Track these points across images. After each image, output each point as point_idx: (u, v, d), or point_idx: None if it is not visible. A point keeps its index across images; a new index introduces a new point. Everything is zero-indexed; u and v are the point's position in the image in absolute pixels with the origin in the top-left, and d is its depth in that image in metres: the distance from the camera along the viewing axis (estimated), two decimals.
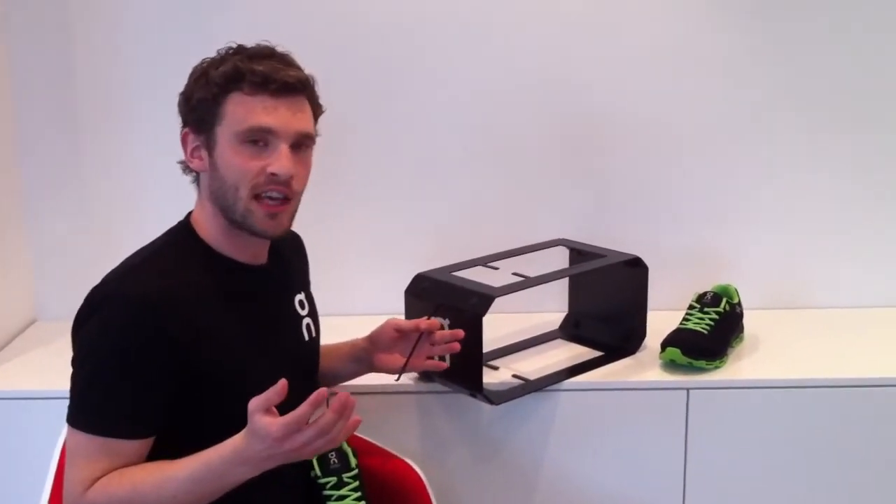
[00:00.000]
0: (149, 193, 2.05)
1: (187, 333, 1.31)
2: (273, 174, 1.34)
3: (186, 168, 1.44)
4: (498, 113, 2.11)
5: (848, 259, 2.18)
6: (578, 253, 1.99)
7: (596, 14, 2.07)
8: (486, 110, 2.10)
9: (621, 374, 1.83)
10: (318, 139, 1.44)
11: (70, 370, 1.36)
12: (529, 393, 1.76)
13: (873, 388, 1.80)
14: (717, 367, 1.83)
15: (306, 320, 1.54)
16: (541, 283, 1.79)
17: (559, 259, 2.01)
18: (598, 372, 1.84)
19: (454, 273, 1.81)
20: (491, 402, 1.72)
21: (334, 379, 1.68)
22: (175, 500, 1.26)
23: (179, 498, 1.26)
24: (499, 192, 2.15)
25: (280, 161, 1.34)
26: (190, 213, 1.46)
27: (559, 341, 2.03)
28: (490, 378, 1.82)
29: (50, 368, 1.89)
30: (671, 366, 1.82)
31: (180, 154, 1.44)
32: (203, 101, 1.36)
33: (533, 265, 1.86)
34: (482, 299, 1.66)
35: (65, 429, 1.46)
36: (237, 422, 1.24)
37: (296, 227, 1.61)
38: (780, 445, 1.81)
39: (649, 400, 1.79)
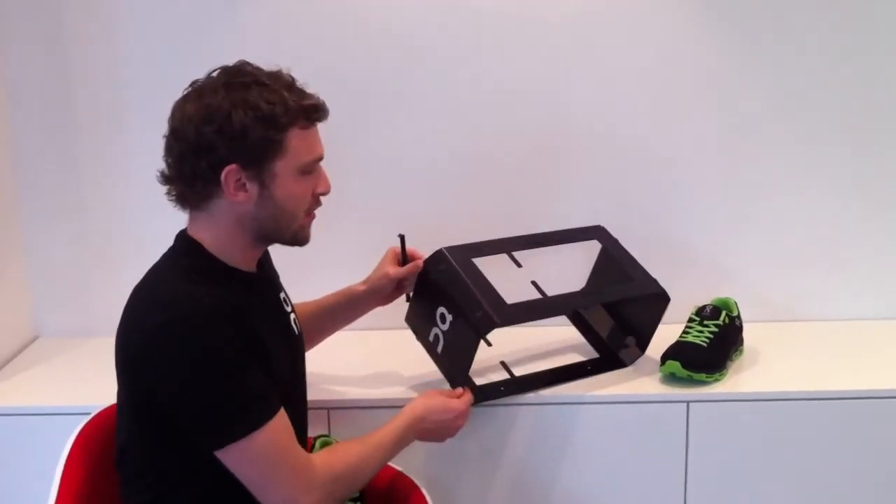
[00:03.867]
0: (146, 211, 2.05)
1: (252, 336, 1.38)
2: (323, 193, 1.49)
3: (188, 195, 1.42)
4: (497, 128, 2.12)
5: (847, 272, 2.19)
6: (608, 255, 1.94)
7: (591, 31, 2.08)
8: (486, 125, 2.11)
9: (621, 387, 1.83)
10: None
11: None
12: (513, 394, 1.77)
13: (873, 401, 1.80)
14: (717, 380, 1.83)
15: (292, 315, 1.60)
16: (554, 314, 1.82)
17: (589, 254, 1.99)
18: (598, 384, 1.84)
19: (474, 259, 1.76)
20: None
21: (332, 327, 1.82)
22: (380, 464, 1.50)
23: (384, 460, 1.51)
24: (499, 207, 2.15)
25: (326, 181, 1.50)
26: (184, 234, 1.47)
27: (565, 323, 2.02)
28: (481, 354, 1.74)
29: (52, 385, 1.90)
30: (671, 379, 1.83)
31: None
32: (264, 138, 1.37)
33: (562, 261, 1.85)
34: (485, 319, 1.64)
35: (68, 444, 1.48)
36: None
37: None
38: (780, 458, 1.81)
39: (649, 413, 1.80)
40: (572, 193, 2.15)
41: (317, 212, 1.53)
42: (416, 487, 1.64)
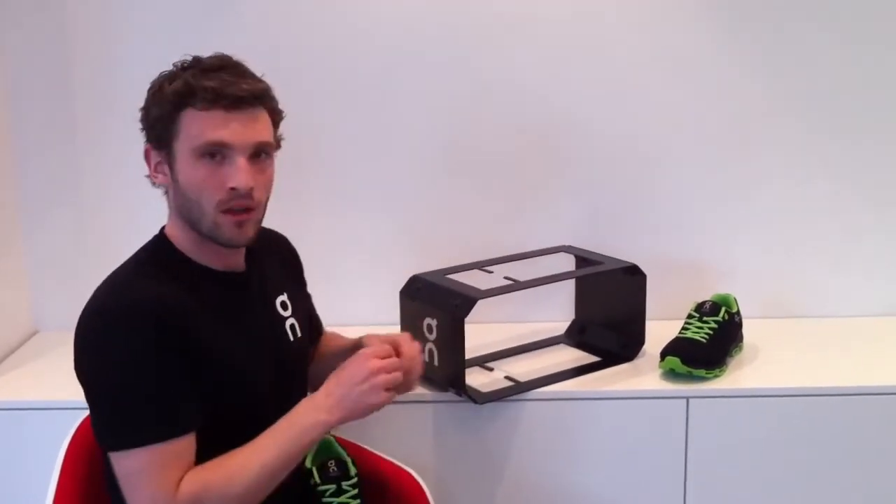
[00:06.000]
0: (145, 204, 2.05)
1: (183, 339, 1.32)
2: (233, 188, 1.35)
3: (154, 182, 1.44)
4: (496, 124, 2.12)
5: (846, 268, 2.19)
6: (583, 260, 2.00)
7: (589, 25, 2.08)
8: (484, 121, 2.11)
9: (621, 382, 1.84)
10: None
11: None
12: (516, 394, 1.78)
13: (873, 397, 1.80)
14: (716, 376, 1.83)
15: (290, 321, 1.54)
16: (529, 287, 1.81)
17: (564, 267, 2.02)
18: (598, 381, 1.85)
19: (448, 276, 1.84)
20: (475, 401, 1.74)
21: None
22: (265, 468, 1.32)
23: (269, 465, 1.32)
24: (498, 203, 2.16)
25: (238, 175, 1.35)
26: (164, 227, 1.47)
27: (562, 346, 2.04)
28: (483, 379, 1.85)
29: (52, 379, 1.90)
30: (671, 375, 1.83)
31: None
32: (159, 117, 1.37)
33: (536, 272, 1.87)
34: (465, 301, 1.70)
35: (67, 439, 1.48)
36: (227, 425, 1.34)
37: (291, 238, 1.62)
38: (780, 454, 1.81)
39: (649, 409, 1.80)
40: (572, 188, 2.15)
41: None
42: (416, 481, 1.64)
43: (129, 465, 1.28)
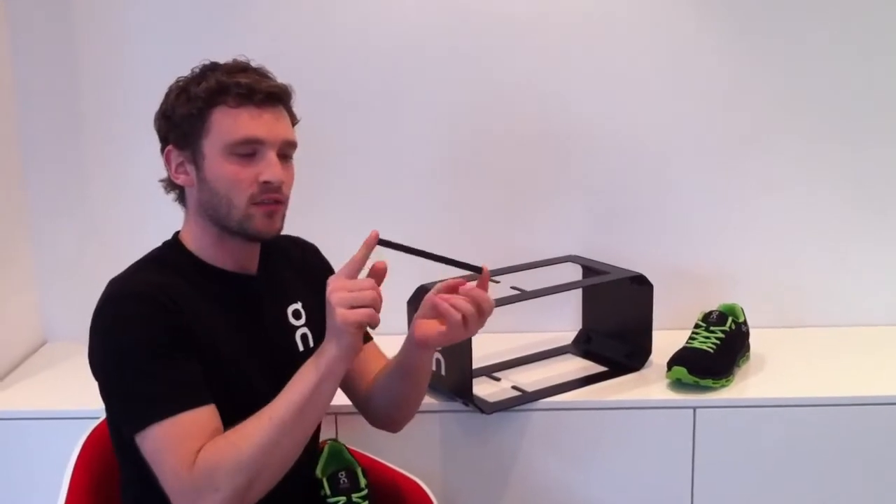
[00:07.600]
0: (156, 212, 2.06)
1: (186, 326, 1.33)
2: (266, 182, 1.38)
3: (169, 185, 1.46)
4: (503, 134, 2.12)
5: (854, 277, 2.19)
6: (590, 270, 2.01)
7: (595, 31, 2.09)
8: (490, 131, 2.12)
9: (628, 392, 1.84)
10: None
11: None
12: (523, 404, 1.79)
13: (880, 407, 1.80)
14: (723, 386, 1.83)
15: (302, 330, 1.52)
16: (537, 297, 1.81)
17: (571, 277, 2.02)
18: (605, 391, 1.85)
19: None
20: (482, 411, 1.75)
21: (402, 401, 1.56)
22: (273, 421, 1.27)
23: (277, 418, 1.27)
24: (504, 213, 2.16)
25: (271, 169, 1.38)
26: (177, 233, 1.48)
27: (569, 356, 2.04)
28: (490, 389, 1.85)
29: (61, 389, 1.91)
30: (677, 385, 1.83)
31: None
32: (187, 116, 1.39)
33: (543, 281, 1.87)
34: None
35: (77, 449, 1.49)
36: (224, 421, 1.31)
37: None
38: (787, 464, 1.81)
39: (656, 419, 1.80)
40: (579, 198, 2.16)
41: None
42: (423, 491, 1.63)
43: (150, 443, 1.29)
